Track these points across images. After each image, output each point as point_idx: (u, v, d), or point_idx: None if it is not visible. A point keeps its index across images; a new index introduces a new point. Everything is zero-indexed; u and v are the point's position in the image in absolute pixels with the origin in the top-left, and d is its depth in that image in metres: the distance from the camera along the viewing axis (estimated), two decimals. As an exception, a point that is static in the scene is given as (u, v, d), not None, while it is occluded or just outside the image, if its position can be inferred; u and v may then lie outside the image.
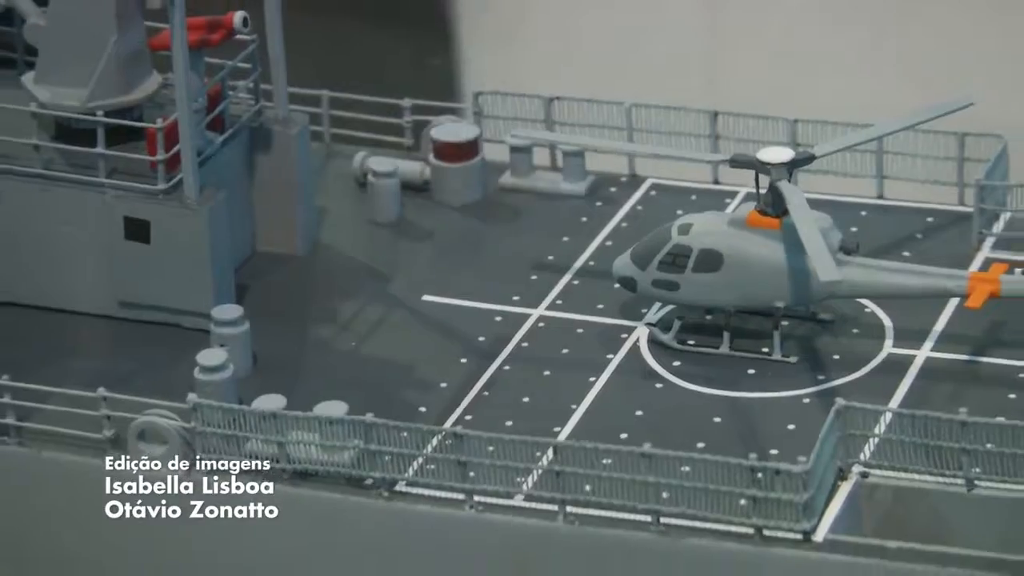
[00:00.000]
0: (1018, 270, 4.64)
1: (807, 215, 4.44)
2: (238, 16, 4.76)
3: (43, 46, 4.65)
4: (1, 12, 5.02)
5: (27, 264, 4.67)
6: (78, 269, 4.61)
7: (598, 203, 5.08)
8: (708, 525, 4.16)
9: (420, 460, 4.31)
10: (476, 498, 4.27)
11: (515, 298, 4.77)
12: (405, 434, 4.31)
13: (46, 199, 4.56)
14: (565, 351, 4.65)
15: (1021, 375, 4.53)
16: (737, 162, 4.70)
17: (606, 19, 6.64)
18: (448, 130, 4.96)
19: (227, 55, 4.79)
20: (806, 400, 4.50)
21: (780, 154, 4.60)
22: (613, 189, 5.15)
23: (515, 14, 6.30)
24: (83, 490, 4.42)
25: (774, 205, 4.57)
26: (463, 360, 4.60)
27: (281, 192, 4.90)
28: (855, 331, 4.67)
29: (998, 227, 4.95)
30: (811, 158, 4.64)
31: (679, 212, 4.99)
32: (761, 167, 4.61)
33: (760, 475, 4.10)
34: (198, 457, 4.43)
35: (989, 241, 4.96)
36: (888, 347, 4.64)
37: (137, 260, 4.58)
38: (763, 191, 4.63)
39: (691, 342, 4.66)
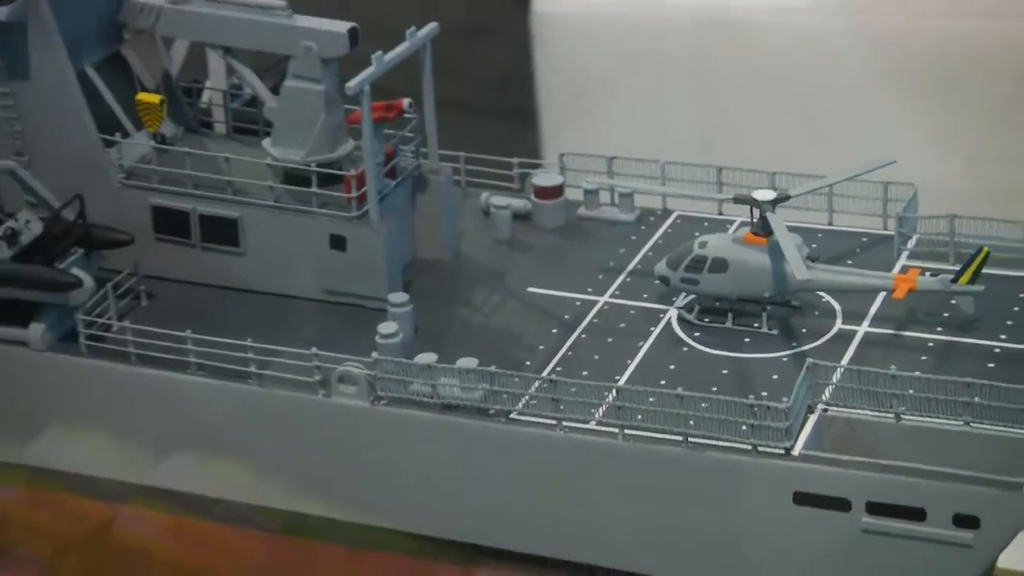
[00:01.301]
0: (927, 273, 4.61)
1: (786, 235, 4.44)
2: (406, 101, 4.80)
3: (277, 121, 4.67)
4: (248, 100, 5.03)
5: (266, 265, 4.68)
6: (299, 268, 4.63)
7: (642, 227, 5.10)
8: (720, 443, 4.14)
9: (526, 398, 4.32)
10: (564, 423, 4.26)
11: (589, 289, 4.78)
12: (516, 379, 4.31)
13: (277, 222, 4.59)
14: (622, 325, 4.64)
15: (929, 344, 4.49)
16: (739, 200, 4.69)
17: (641, 107, 6.59)
18: (543, 178, 4.98)
19: (398, 127, 4.82)
20: (784, 360, 4.49)
21: (767, 194, 4.59)
22: (652, 218, 5.17)
23: (582, 108, 6.25)
24: (300, 415, 4.42)
25: (763, 229, 4.55)
26: (554, 331, 4.61)
27: (433, 218, 4.94)
28: (816, 313, 4.66)
29: (910, 245, 4.93)
30: (787, 197, 4.64)
31: (696, 234, 4.99)
32: (754, 203, 4.59)
33: (755, 410, 4.09)
34: (378, 395, 4.43)
35: (904, 254, 4.94)
36: (839, 324, 4.63)
37: (337, 262, 4.60)
38: (756, 220, 4.61)
39: (706, 320, 4.65)
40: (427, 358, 4.04)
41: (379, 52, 4.47)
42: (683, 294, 4.38)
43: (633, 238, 4.55)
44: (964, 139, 6.73)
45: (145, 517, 4.47)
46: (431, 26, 4.50)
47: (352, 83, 4.22)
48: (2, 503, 4.55)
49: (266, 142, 4.16)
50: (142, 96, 4.35)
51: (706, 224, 4.75)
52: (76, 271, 4.11)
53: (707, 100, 6.83)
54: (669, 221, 4.69)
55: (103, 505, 4.48)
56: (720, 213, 4.72)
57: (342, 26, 4.36)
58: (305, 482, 4.40)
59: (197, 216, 4.28)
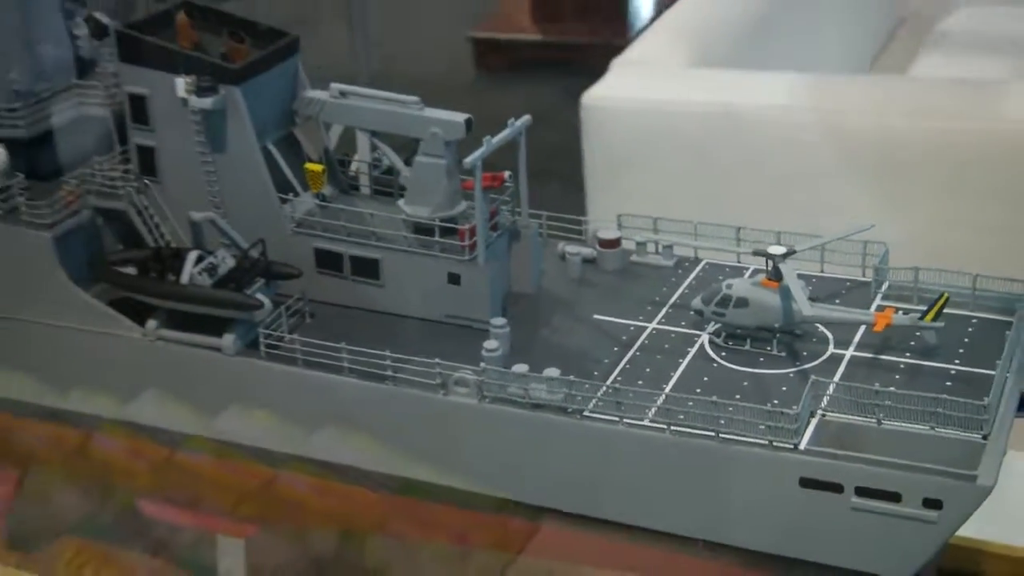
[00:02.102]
0: (900, 312, 4.73)
1: (794, 281, 4.57)
2: (507, 174, 4.91)
3: (409, 187, 4.81)
4: (386, 169, 5.18)
5: (400, 295, 4.81)
6: (425, 297, 4.75)
7: (679, 271, 5.17)
8: (744, 438, 4.24)
9: (595, 400, 4.43)
10: (624, 420, 4.37)
11: (640, 317, 4.87)
12: (587, 386, 4.43)
13: (409, 262, 4.73)
14: (666, 346, 4.74)
15: (901, 366, 4.58)
16: (757, 252, 4.78)
17: (664, 179, 6.69)
18: (605, 232, 5.06)
19: (499, 192, 4.89)
20: (790, 375, 4.57)
21: (779, 249, 4.71)
22: (687, 264, 5.25)
23: (617, 178, 6.38)
24: (424, 408, 4.56)
25: (776, 275, 4.67)
26: (615, 349, 4.70)
27: (523, 261, 5.04)
28: (813, 340, 4.74)
29: (883, 289, 5.00)
30: (794, 252, 4.73)
31: (720, 277, 5.07)
32: (769, 256, 4.70)
33: (772, 414, 4.19)
34: (484, 395, 4.53)
35: (879, 296, 5.01)
36: (831, 349, 4.72)
37: (453, 294, 4.70)
38: (770, 268, 4.71)
39: (731, 343, 4.74)
40: (521, 368, 4.16)
41: (488, 136, 4.65)
42: (713, 323, 4.47)
43: (672, 279, 4.65)
44: (917, 210, 6.82)
45: (300, 478, 4.64)
46: (525, 118, 4.68)
47: (468, 159, 4.39)
48: (196, 464, 4.76)
49: (400, 202, 4.30)
50: (309, 165, 4.53)
51: (727, 270, 4.85)
52: (259, 296, 4.29)
53: (715, 176, 6.94)
54: (699, 267, 4.80)
55: (269, 469, 4.66)
56: (738, 261, 4.82)
57: (460, 117, 4.53)
58: (422, 456, 4.50)
59: (348, 257, 4.45)
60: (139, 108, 4.66)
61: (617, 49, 13.39)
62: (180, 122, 4.65)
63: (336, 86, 4.88)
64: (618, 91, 7.61)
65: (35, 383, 4.92)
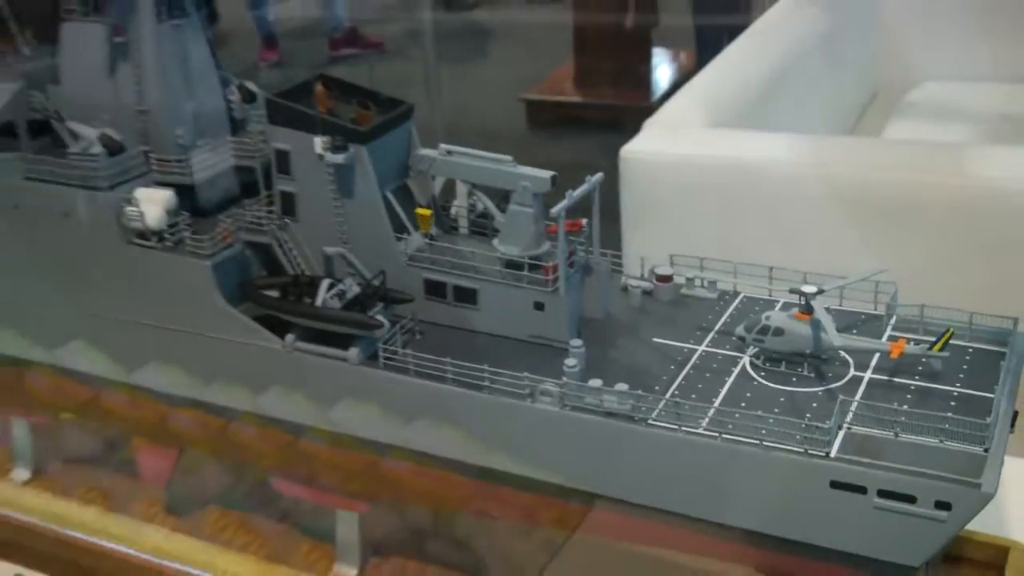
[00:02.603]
0: (911, 342, 4.55)
1: (824, 315, 4.39)
2: (584, 220, 4.76)
3: (502, 230, 4.67)
4: (481, 213, 5.05)
5: (493, 318, 4.69)
6: (514, 321, 4.63)
7: (721, 303, 5.02)
8: (783, 446, 4.07)
9: (657, 410, 4.27)
10: (682, 428, 4.22)
11: (691, 341, 4.73)
12: (650, 398, 4.27)
13: (501, 291, 4.60)
14: (714, 365, 4.58)
15: (912, 387, 4.40)
16: (793, 291, 4.61)
17: (689, 220, 6.58)
18: (661, 269, 4.90)
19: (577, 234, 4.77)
20: (819, 393, 4.41)
21: (811, 288, 4.54)
22: (727, 296, 5.09)
23: (650, 219, 6.24)
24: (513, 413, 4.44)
25: (807, 310, 4.50)
26: (671, 367, 4.56)
27: (594, 292, 4.91)
28: (837, 363, 4.58)
29: (892, 322, 4.83)
30: (823, 291, 4.56)
31: (756, 309, 4.91)
32: (803, 294, 4.53)
33: (807, 427, 4.02)
34: (565, 404, 4.39)
35: (889, 328, 4.84)
36: (852, 371, 4.54)
37: (538, 318, 4.58)
38: (803, 303, 4.55)
39: (768, 365, 4.58)
40: (596, 382, 4.01)
41: (570, 190, 4.53)
42: (753, 348, 4.30)
43: (716, 309, 4.47)
44: (896, 250, 6.67)
45: (400, 464, 4.52)
46: (599, 176, 4.53)
47: (554, 209, 4.27)
48: (314, 449, 4.65)
49: (495, 241, 4.18)
50: (419, 210, 4.42)
51: (762, 302, 4.69)
52: (379, 317, 4.17)
53: (730, 219, 6.81)
54: (738, 299, 4.62)
55: (375, 455, 4.54)
56: (770, 296, 4.65)
57: (547, 174, 4.41)
58: (509, 451, 4.38)
59: (452, 286, 4.33)
60: (283, 161, 4.57)
61: (641, 110, 13.44)
62: (316, 173, 4.55)
63: (444, 146, 4.79)
64: (650, 146, 7.57)
65: (188, 379, 4.81)
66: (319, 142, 4.24)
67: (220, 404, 4.50)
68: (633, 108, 13.14)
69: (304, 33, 15.68)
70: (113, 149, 4.26)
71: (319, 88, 4.32)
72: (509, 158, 4.42)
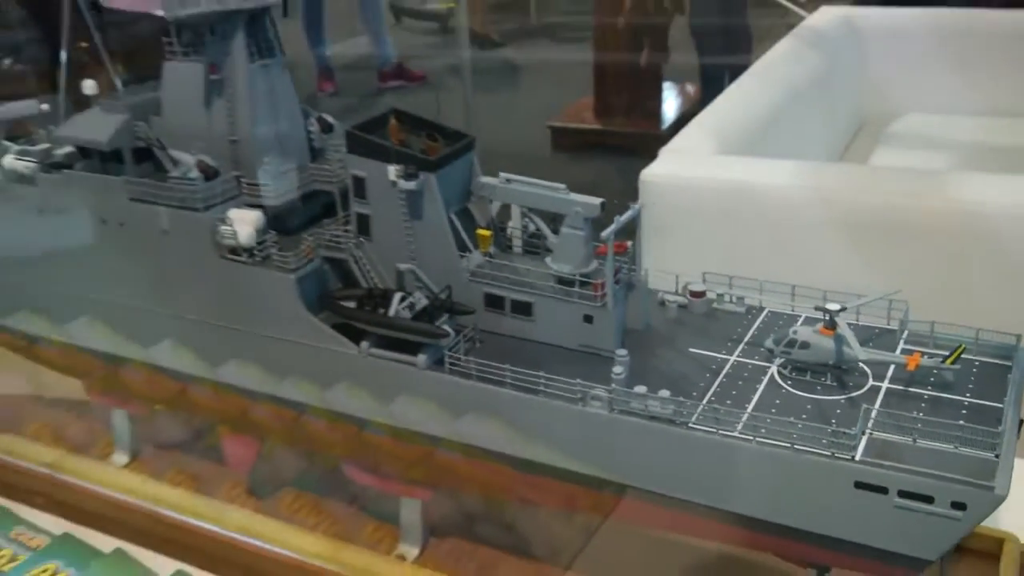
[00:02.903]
0: (925, 356, 4.39)
1: (847, 330, 4.25)
2: (630, 243, 4.61)
3: (555, 250, 4.54)
4: (533, 233, 4.92)
5: (547, 329, 4.57)
6: (566, 331, 4.49)
7: (749, 316, 4.87)
8: (812, 450, 3.93)
9: (696, 415, 4.13)
10: (720, 431, 4.08)
11: (723, 351, 4.58)
12: (689, 403, 4.14)
13: (554, 305, 4.46)
14: (745, 374, 4.43)
15: (926, 397, 4.26)
16: (818, 308, 4.47)
17: (704, 240, 6.43)
18: (695, 286, 4.74)
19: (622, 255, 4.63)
20: (842, 401, 4.26)
21: (835, 306, 4.39)
22: (754, 311, 4.92)
23: (667, 237, 6.10)
24: (565, 415, 4.31)
25: (831, 325, 4.35)
26: (707, 375, 4.42)
27: (636, 306, 4.76)
28: (856, 373, 4.43)
29: (904, 336, 4.66)
30: (844, 308, 4.41)
31: (780, 323, 4.77)
32: (827, 311, 4.38)
33: (833, 432, 3.88)
34: (613, 408, 4.26)
35: (902, 342, 4.68)
36: (871, 382, 4.39)
37: (588, 329, 4.45)
38: (827, 319, 4.40)
39: (795, 375, 4.43)
40: (640, 389, 3.88)
41: (617, 216, 4.41)
42: (781, 359, 4.14)
43: (744, 322, 4.31)
44: (883, 266, 6.56)
45: (451, 455, 4.40)
46: (641, 204, 4.39)
47: (604, 233, 4.15)
48: (377, 441, 4.53)
49: (548, 260, 4.04)
50: (480, 231, 4.30)
51: (784, 316, 4.53)
52: (445, 327, 4.04)
53: (737, 237, 6.66)
54: (763, 314, 4.45)
55: (431, 448, 4.41)
56: (792, 310, 4.48)
57: (596, 200, 4.27)
58: (560, 448, 4.23)
59: (509, 300, 4.20)
60: (359, 186, 4.46)
61: (653, 137, 13.50)
62: (389, 198, 4.44)
63: (504, 175, 4.67)
64: (666, 170, 7.28)
65: (268, 377, 4.69)
66: (393, 170, 4.13)
67: (294, 399, 4.34)
68: (645, 135, 13.31)
69: (357, 67, 15.72)
70: (208, 174, 4.16)
71: (393, 122, 4.21)
72: (562, 186, 4.30)
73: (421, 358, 4.03)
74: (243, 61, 4.17)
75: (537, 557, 4.47)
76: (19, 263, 4.61)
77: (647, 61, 13.68)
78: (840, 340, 4.20)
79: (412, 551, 4.45)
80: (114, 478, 4.78)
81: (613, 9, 13.24)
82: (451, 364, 4.05)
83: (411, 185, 4.10)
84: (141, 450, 5.13)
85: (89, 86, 4.47)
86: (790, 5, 14.19)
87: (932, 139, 11.46)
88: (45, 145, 4.54)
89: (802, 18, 12.41)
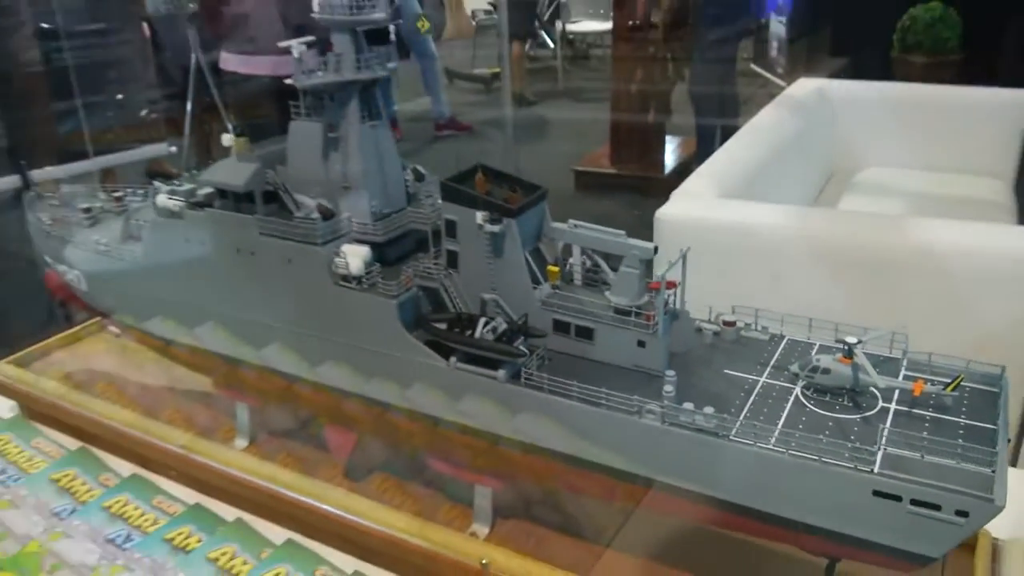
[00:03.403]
0: (928, 383, 4.13)
1: (865, 360, 4.00)
2: (678, 280, 4.39)
3: (614, 285, 4.32)
4: (589, 268, 4.69)
5: (606, 350, 4.32)
6: (622, 352, 4.25)
7: (772, 343, 4.56)
8: (836, 462, 3.69)
9: (735, 428, 3.90)
10: (757, 444, 3.85)
11: (753, 374, 4.33)
12: (728, 418, 3.91)
13: (612, 331, 4.24)
14: (773, 394, 4.20)
15: (928, 418, 4.00)
16: (839, 340, 4.22)
17: (712, 275, 6.25)
18: (726, 317, 4.49)
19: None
20: (858, 419, 4.01)
21: (852, 339, 4.14)
22: (776, 339, 4.59)
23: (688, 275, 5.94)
24: (623, 425, 4.07)
25: (848, 354, 4.12)
26: (741, 394, 4.19)
27: (680, 333, 4.51)
28: (867, 395, 4.18)
29: (904, 364, 4.38)
30: (862, 341, 4.16)
31: (799, 349, 4.47)
32: (846, 343, 4.15)
33: (853, 447, 3.65)
34: (665, 420, 4.02)
35: (903, 369, 4.40)
36: (880, 403, 4.13)
37: (641, 353, 4.21)
38: (845, 349, 4.15)
39: (816, 396, 4.21)
40: (688, 405, 3.68)
41: (669, 259, 4.20)
42: (803, 382, 3.92)
43: (769, 348, 4.08)
44: (873, 299, 6.34)
45: (509, 452, 4.16)
46: (688, 248, 4.16)
47: (659, 273, 3.95)
48: (452, 436, 4.32)
49: (607, 293, 3.85)
50: (550, 267, 4.11)
51: (802, 343, 4.27)
52: (522, 347, 3.87)
53: (738, 270, 6.42)
54: (784, 342, 4.21)
55: (490, 445, 4.19)
56: (808, 339, 4.23)
57: (651, 245, 4.07)
58: (617, 452, 3.97)
59: (574, 325, 4.01)
60: (451, 228, 4.26)
61: (658, 180, 13.48)
62: (475, 238, 4.22)
63: (572, 221, 4.46)
64: (677, 210, 7.40)
65: (359, 379, 4.50)
66: (480, 216, 3.92)
67: (387, 401, 4.33)
68: (651, 179, 13.59)
69: (418, 119, 15.79)
70: (326, 215, 4.00)
71: (479, 175, 4.02)
72: (622, 232, 4.09)
73: (501, 372, 3.81)
74: (356, 122, 3.99)
75: (583, 536, 4.22)
76: (163, 281, 4.61)
77: (653, 119, 13.69)
78: (856, 368, 3.95)
79: (483, 530, 4.23)
80: (236, 459, 4.62)
81: (627, 78, 13.22)
82: (526, 378, 3.82)
83: (495, 228, 3.89)
84: (258, 436, 4.93)
85: (227, 139, 4.28)
86: (770, 76, 14.15)
87: (888, 188, 11.44)
88: (190, 186, 4.37)
89: (780, 87, 12.35)
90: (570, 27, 20.12)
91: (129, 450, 5.04)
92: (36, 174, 8.79)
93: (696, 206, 7.70)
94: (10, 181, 8.75)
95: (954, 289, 6.45)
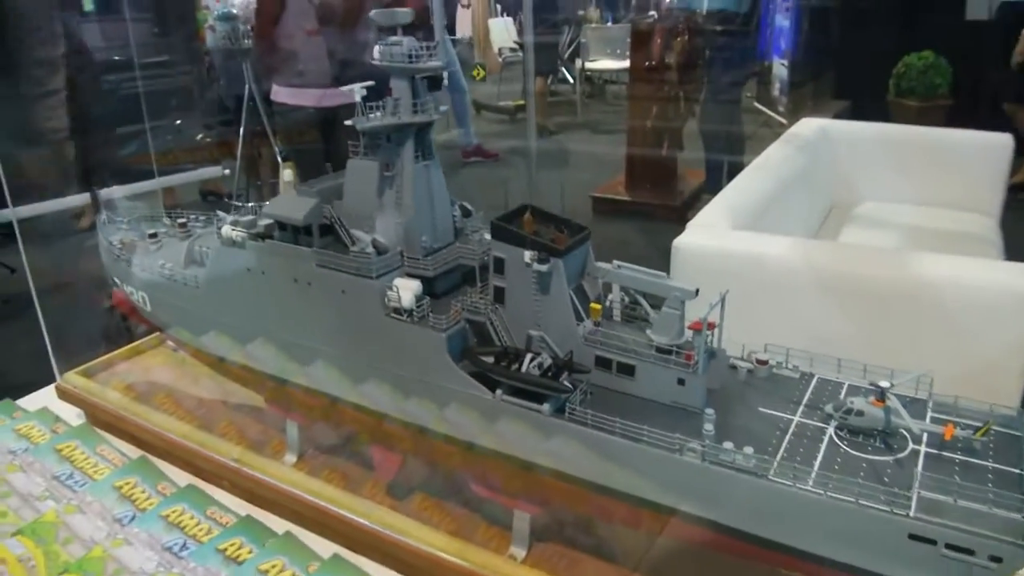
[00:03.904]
0: (957, 427, 3.86)
1: (897, 404, 3.75)
2: (716, 321, 4.15)
3: (655, 324, 4.08)
4: (627, 304, 4.46)
5: (646, 386, 4.08)
6: (661, 390, 4.01)
7: (803, 381, 4.26)
8: (872, 505, 3.43)
9: (773, 468, 3.65)
10: (796, 485, 3.59)
11: (787, 412, 4.06)
12: (766, 458, 3.66)
13: (653, 368, 4.01)
14: (808, 434, 3.94)
15: (957, 461, 3.73)
16: (872, 383, 3.96)
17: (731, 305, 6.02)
18: (760, 355, 4.21)
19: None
20: (891, 461, 3.75)
21: (885, 383, 3.87)
22: (807, 377, 4.28)
23: (703, 302, 5.60)
24: (664, 462, 3.82)
25: (881, 397, 3.86)
26: (777, 432, 3.94)
27: (716, 370, 4.25)
28: (898, 437, 3.91)
29: (930, 406, 4.09)
30: (893, 385, 3.91)
31: (829, 388, 4.20)
32: (879, 387, 3.89)
33: (886, 490, 3.39)
34: (706, 459, 3.76)
35: (929, 411, 4.11)
36: (911, 445, 3.85)
37: (681, 390, 3.97)
38: (878, 393, 3.89)
39: (849, 436, 3.94)
40: (728, 444, 3.46)
41: (711, 302, 3.97)
42: (836, 422, 3.66)
43: (801, 386, 3.83)
44: (876, 329, 6.13)
45: (546, 479, 3.89)
46: (727, 291, 3.91)
47: (702, 316, 3.74)
48: (490, 462, 4.06)
49: (648, 331, 3.65)
50: (593, 304, 3.89)
51: (832, 383, 4.00)
52: (566, 383, 3.65)
53: (750, 298, 6.16)
54: (814, 380, 3.94)
55: (527, 472, 3.93)
56: (837, 378, 3.98)
57: (692, 287, 3.84)
58: (658, 488, 3.72)
59: (616, 362, 3.80)
60: (499, 265, 4.03)
61: (669, 208, 13.38)
62: (522, 275, 4.00)
63: (616, 262, 4.22)
64: (693, 240, 7.05)
65: (410, 408, 4.28)
66: (528, 255, 3.69)
67: (423, 426, 4.15)
68: (663, 206, 13.54)
69: (447, 147, 15.77)
70: (380, 250, 3.77)
71: (527, 215, 3.80)
72: (663, 274, 3.84)
73: (546, 406, 3.57)
74: (411, 162, 3.78)
75: (614, 559, 3.97)
76: (223, 304, 4.52)
77: (666, 152, 13.49)
78: (889, 411, 3.69)
79: (521, 552, 3.98)
80: (285, 474, 4.42)
81: (642, 114, 13.08)
82: (570, 412, 3.58)
83: (543, 268, 3.65)
84: (306, 452, 4.71)
85: (287, 174, 4.08)
86: (772, 114, 14.01)
87: (884, 222, 11.25)
88: (251, 216, 4.19)
89: (781, 123, 12.22)
90: (589, 65, 20.15)
91: (186, 460, 4.92)
92: (103, 192, 8.69)
93: (711, 236, 7.48)
94: (80, 199, 8.66)
95: (947, 319, 6.26)
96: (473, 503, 4.67)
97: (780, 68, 14.64)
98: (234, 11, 10.86)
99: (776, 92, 14.78)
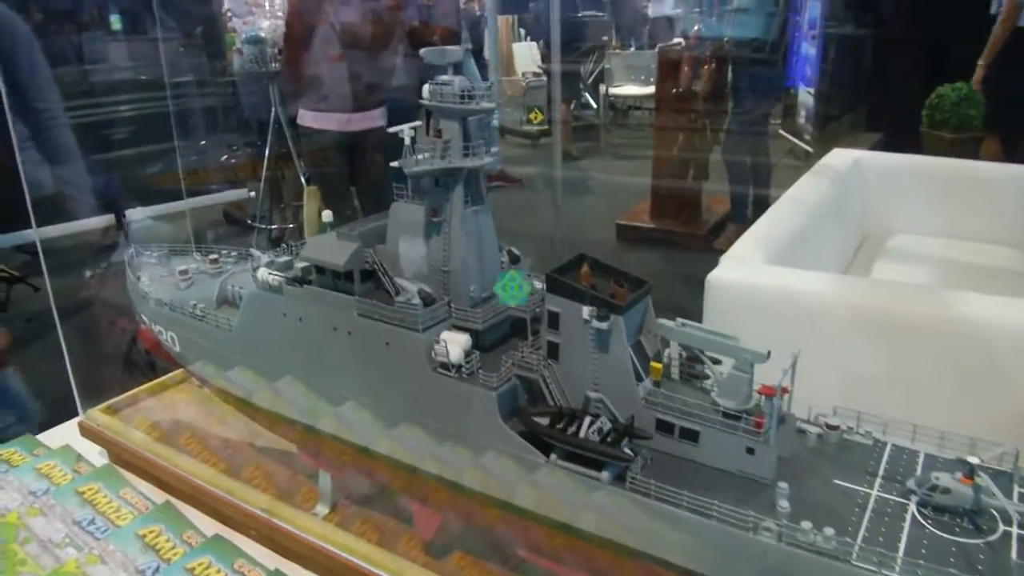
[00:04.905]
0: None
1: (987, 480, 3.40)
2: (786, 386, 3.79)
3: (720, 387, 3.76)
4: (684, 360, 4.13)
5: (711, 453, 3.75)
6: (727, 458, 3.65)
7: (876, 449, 3.84)
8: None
9: (855, 552, 3.30)
10: (882, 571, 3.23)
11: (864, 485, 3.56)
12: (844, 544, 3.31)
13: (719, 435, 3.68)
14: (888, 510, 3.51)
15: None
16: (960, 459, 3.61)
17: (757, 333, 5.67)
18: (830, 419, 3.85)
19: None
20: (981, 545, 3.40)
21: (975, 459, 3.50)
22: (880, 444, 3.91)
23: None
24: (735, 540, 3.47)
25: (969, 474, 3.50)
26: (855, 509, 3.56)
27: (785, 436, 3.89)
28: (987, 516, 3.53)
29: (1017, 479, 3.66)
30: (983, 461, 3.54)
31: (904, 457, 3.77)
32: (968, 464, 3.52)
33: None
34: (783, 539, 3.43)
35: (1016, 487, 3.68)
36: (1002, 527, 3.50)
37: (749, 459, 3.60)
38: (967, 470, 3.54)
39: (934, 514, 3.58)
40: (806, 524, 3.15)
41: (783, 368, 3.63)
42: (919, 498, 3.33)
43: (874, 455, 3.51)
44: (909, 369, 5.82)
45: (590, 549, 3.54)
46: (799, 351, 3.59)
47: (776, 381, 3.44)
48: (541, 530, 3.75)
49: (714, 394, 3.37)
50: (653, 363, 3.60)
51: (907, 451, 3.65)
52: (627, 451, 3.37)
53: (780, 333, 5.85)
54: (888, 447, 3.63)
55: (572, 538, 3.61)
56: (912, 444, 3.65)
57: (764, 350, 3.53)
58: (729, 568, 3.45)
59: (679, 427, 3.51)
60: (554, 319, 3.72)
61: (694, 236, 13.14)
62: (579, 332, 3.69)
63: (680, 320, 3.89)
64: (727, 275, 6.89)
65: (453, 464, 4.03)
66: (586, 310, 3.38)
67: (473, 488, 3.86)
68: (689, 234, 12.87)
69: None
70: (427, 301, 3.47)
71: (584, 267, 3.48)
72: (734, 336, 3.51)
73: (605, 474, 3.24)
74: (460, 208, 3.51)
75: None
76: (257, 351, 4.33)
77: (690, 182, 13.27)
78: (978, 490, 3.34)
79: (565, 619, 3.59)
80: (317, 527, 4.10)
81: (668, 141, 12.86)
82: (631, 481, 3.24)
83: (603, 325, 3.33)
84: (338, 503, 4.38)
85: (327, 215, 3.81)
86: (797, 141, 13.76)
87: (917, 256, 10.93)
88: (287, 258, 3.90)
89: (805, 151, 12.00)
90: (613, 90, 20.12)
91: (211, 507, 4.67)
92: (128, 213, 8.50)
93: (745, 272, 7.24)
94: (104, 219, 8.48)
95: (987, 360, 5.96)
96: (512, 560, 4.34)
97: (806, 96, 14.34)
98: (262, 34, 10.75)
99: (802, 120, 14.47)
